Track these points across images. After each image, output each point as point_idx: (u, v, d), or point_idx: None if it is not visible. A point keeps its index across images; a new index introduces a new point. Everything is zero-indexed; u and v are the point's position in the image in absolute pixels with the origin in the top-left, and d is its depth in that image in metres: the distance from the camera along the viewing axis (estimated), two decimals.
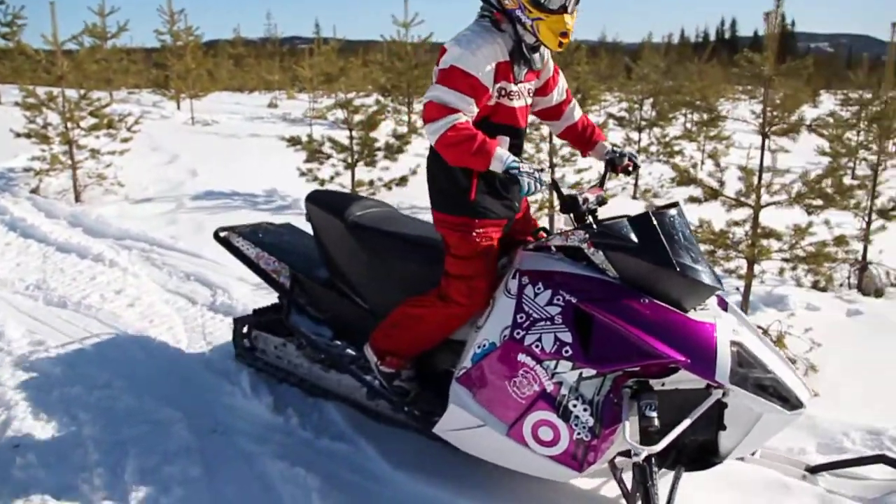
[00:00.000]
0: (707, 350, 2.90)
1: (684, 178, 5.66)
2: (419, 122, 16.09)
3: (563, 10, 3.11)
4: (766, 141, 5.52)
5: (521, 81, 3.35)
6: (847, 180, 7.54)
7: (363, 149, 9.09)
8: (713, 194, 5.54)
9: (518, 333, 3.10)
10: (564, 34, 3.14)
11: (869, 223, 7.39)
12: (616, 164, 3.68)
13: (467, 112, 3.11)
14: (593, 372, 2.95)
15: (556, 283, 3.11)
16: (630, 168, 3.74)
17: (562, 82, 3.72)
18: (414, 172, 9.00)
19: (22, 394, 4.12)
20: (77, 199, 9.38)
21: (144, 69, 23.26)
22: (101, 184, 9.69)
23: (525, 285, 3.17)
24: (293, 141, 9.29)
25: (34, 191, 9.40)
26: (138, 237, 7.32)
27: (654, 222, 3.05)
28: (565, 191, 3.26)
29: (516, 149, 3.39)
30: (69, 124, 9.51)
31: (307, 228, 4.47)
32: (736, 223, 5.61)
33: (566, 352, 2.98)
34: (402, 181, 9.12)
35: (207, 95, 21.06)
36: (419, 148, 11.71)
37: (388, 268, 3.84)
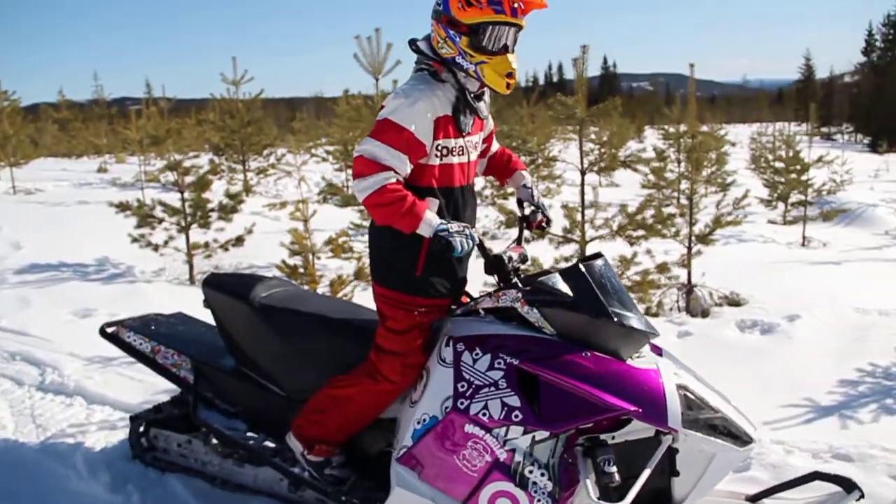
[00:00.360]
0: (656, 397, 2.87)
1: (512, 220, 5.83)
2: (254, 180, 15.94)
3: (506, 50, 3.04)
4: (591, 177, 5.78)
5: (468, 134, 3.23)
6: (673, 209, 8.02)
7: (196, 210, 8.91)
8: (541, 233, 5.72)
9: (462, 403, 2.97)
10: (510, 75, 3.05)
11: (690, 249, 7.84)
12: (530, 220, 3.63)
13: (399, 170, 2.99)
14: (546, 434, 2.87)
15: (495, 346, 3.02)
16: (544, 224, 3.68)
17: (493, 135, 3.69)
18: (250, 232, 8.90)
19: None
20: None
21: None
22: None
23: (461, 352, 3.06)
24: (122, 206, 8.98)
25: None
26: None
27: (586, 273, 3.02)
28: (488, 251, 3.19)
29: (456, 206, 3.26)
30: None
31: (200, 316, 4.26)
32: (565, 259, 5.83)
33: (516, 416, 2.88)
34: (239, 241, 8.98)
35: (30, 163, 20.03)
36: (255, 206, 11.62)
37: (304, 349, 3.61)
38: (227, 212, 9.12)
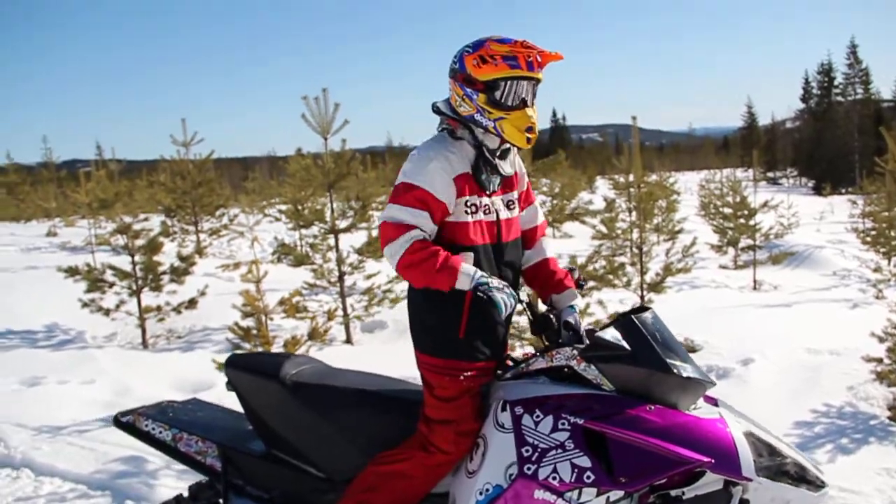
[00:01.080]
0: (727, 446, 2.75)
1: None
2: (207, 241, 15.83)
3: (524, 104, 2.98)
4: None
5: (494, 193, 3.13)
6: (626, 259, 8.11)
7: (147, 273, 8.82)
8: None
9: (529, 468, 2.83)
10: (530, 129, 2.99)
11: (642, 297, 7.91)
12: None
13: (424, 227, 2.91)
14: (621, 493, 2.74)
15: (555, 406, 2.89)
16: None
17: (536, 204, 3.47)
18: (203, 294, 8.84)
19: None
20: None
21: None
22: None
23: (521, 415, 2.93)
24: (72, 271, 8.85)
25: None
26: None
27: (640, 326, 2.93)
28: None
29: (490, 264, 3.11)
30: None
31: (213, 400, 4.16)
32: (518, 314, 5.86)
33: (588, 478, 2.73)
34: (192, 304, 8.92)
35: None
36: (208, 267, 11.52)
37: (344, 426, 3.41)
38: (179, 274, 9.04)
